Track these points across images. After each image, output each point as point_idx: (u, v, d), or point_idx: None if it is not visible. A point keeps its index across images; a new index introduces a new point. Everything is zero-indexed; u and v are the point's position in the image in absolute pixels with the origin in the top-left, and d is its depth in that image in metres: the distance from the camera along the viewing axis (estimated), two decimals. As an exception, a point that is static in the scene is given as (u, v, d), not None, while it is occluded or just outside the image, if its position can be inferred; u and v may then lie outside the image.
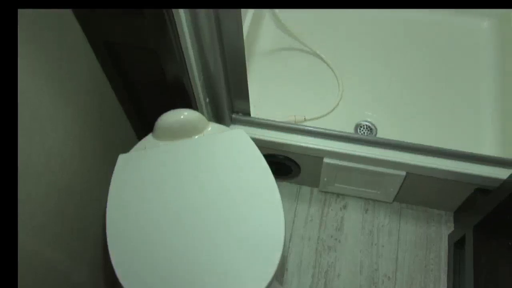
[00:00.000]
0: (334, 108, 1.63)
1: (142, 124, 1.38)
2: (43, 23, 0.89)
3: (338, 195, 1.61)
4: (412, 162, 1.33)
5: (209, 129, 1.17)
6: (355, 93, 1.69)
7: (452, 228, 1.52)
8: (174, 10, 0.95)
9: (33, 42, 0.87)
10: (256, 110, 1.59)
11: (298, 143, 1.38)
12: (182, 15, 0.97)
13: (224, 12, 1.02)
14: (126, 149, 1.18)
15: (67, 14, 0.98)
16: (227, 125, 1.39)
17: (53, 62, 0.95)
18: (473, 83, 1.69)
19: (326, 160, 1.41)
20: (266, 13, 1.88)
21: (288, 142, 1.39)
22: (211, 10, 1.00)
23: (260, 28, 1.86)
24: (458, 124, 1.59)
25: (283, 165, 1.52)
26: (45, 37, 0.91)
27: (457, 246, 1.41)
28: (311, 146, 1.38)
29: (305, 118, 1.59)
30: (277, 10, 1.80)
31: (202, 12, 0.99)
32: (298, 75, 1.75)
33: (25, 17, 0.83)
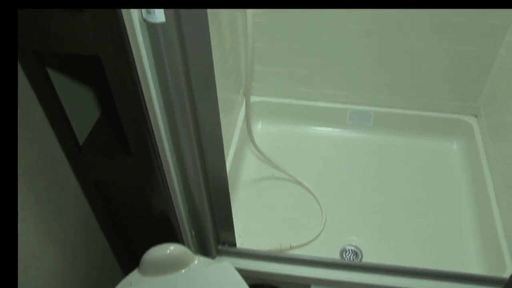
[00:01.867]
0: (318, 235, 1.66)
1: (128, 259, 1.38)
2: (36, 169, 0.94)
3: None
4: (399, 285, 1.33)
5: (196, 262, 1.17)
6: (339, 217, 1.73)
7: None
8: (161, 151, 1.02)
9: (23, 189, 0.91)
10: (242, 239, 1.60)
11: (284, 272, 1.38)
12: (168, 153, 1.03)
13: (207, 146, 1.09)
14: (112, 285, 1.16)
15: (59, 156, 1.04)
16: (213, 257, 1.39)
17: (42, 205, 0.98)
18: (452, 203, 1.76)
19: (313, 287, 1.40)
20: (248, 148, 1.99)
21: (275, 271, 1.39)
22: (195, 150, 1.07)
23: (242, 160, 1.95)
24: (442, 244, 1.62)
25: (271, 294, 1.50)
26: (36, 182, 0.95)
27: None
28: (297, 274, 1.38)
29: (290, 246, 1.60)
30: (257, 142, 1.90)
31: (187, 149, 1.06)
32: (282, 203, 1.80)
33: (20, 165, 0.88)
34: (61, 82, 0.99)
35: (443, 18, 1.69)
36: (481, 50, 1.77)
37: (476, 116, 1.96)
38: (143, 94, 0.89)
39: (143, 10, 0.78)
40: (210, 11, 1.26)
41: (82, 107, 1.11)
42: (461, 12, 1.67)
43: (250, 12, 1.27)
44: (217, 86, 0.94)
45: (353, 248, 1.62)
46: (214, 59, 0.91)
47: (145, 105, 0.91)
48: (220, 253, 1.42)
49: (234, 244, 1.42)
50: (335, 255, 1.60)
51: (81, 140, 1.09)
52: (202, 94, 0.94)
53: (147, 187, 1.09)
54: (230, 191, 1.23)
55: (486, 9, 1.64)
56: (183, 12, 0.78)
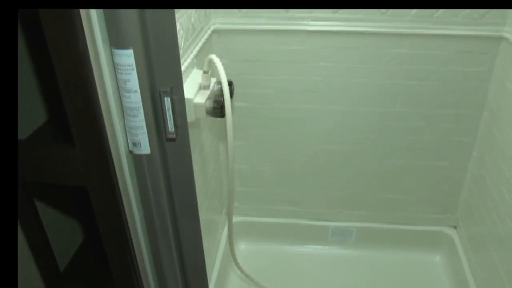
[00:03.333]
0: None
1: None
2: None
3: None
4: None
5: None
6: None
7: None
8: (143, 277, 1.01)
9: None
10: None
11: None
12: (150, 279, 1.02)
13: (190, 270, 1.08)
14: None
15: (37, 282, 1.02)
16: None
17: None
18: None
19: None
20: (231, 268, 1.96)
21: None
22: (178, 274, 1.06)
23: (226, 282, 1.91)
24: None
25: None
26: None
27: None
28: None
29: None
30: (240, 262, 1.88)
31: (170, 275, 1.05)
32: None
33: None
34: (44, 209, 1.01)
35: (413, 138, 1.81)
36: (452, 165, 1.86)
37: (455, 227, 2.00)
38: (127, 222, 0.91)
39: (130, 143, 0.83)
40: (193, 137, 1.34)
41: (64, 233, 1.12)
42: (429, 131, 1.79)
43: (230, 135, 1.34)
44: (200, 208, 0.97)
45: None
46: (196, 183, 0.96)
47: (129, 232, 0.93)
48: None
49: None
50: None
51: (62, 266, 1.08)
52: (185, 221, 0.96)
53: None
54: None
55: (451, 124, 1.77)
56: (168, 144, 0.84)
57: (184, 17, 1.29)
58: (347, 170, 1.92)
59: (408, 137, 1.82)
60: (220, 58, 1.37)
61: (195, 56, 1.39)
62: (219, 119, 1.49)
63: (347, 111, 1.78)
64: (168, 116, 0.80)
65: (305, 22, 1.62)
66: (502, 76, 1.61)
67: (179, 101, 0.80)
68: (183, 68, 1.25)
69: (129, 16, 0.70)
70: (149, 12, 0.72)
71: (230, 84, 1.34)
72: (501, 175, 1.56)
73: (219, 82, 1.35)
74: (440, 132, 1.79)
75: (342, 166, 1.91)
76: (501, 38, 1.59)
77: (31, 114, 0.98)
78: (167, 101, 0.78)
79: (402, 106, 1.75)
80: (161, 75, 0.78)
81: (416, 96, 1.73)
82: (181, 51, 1.25)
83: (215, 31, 1.65)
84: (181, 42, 1.25)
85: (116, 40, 0.73)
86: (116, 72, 0.75)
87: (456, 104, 1.73)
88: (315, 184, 1.97)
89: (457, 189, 1.92)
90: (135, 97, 0.76)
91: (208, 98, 1.29)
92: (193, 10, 1.38)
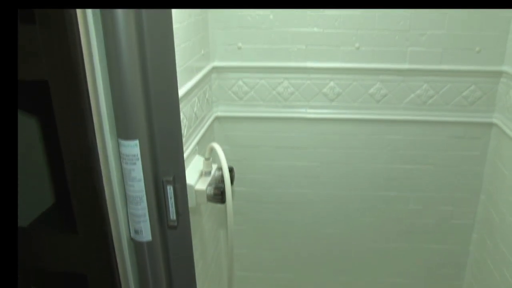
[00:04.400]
0: None
1: None
2: None
3: None
4: None
5: None
6: None
7: None
8: None
9: None
10: None
11: None
12: None
13: None
14: None
15: None
16: None
17: None
18: None
19: None
20: None
21: None
22: None
23: None
24: None
25: None
26: None
27: None
28: None
29: None
30: None
31: None
32: None
33: None
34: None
35: (411, 221, 1.81)
36: (453, 248, 1.85)
37: (461, 314, 1.95)
38: (125, 310, 0.90)
39: (131, 230, 0.85)
40: (193, 222, 1.34)
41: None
42: (428, 214, 1.80)
43: (231, 221, 1.35)
44: (199, 298, 0.96)
45: None
46: (196, 268, 0.96)
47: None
48: None
49: None
50: None
51: None
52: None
53: None
54: None
55: (449, 207, 1.78)
56: (169, 231, 0.85)
57: (187, 106, 1.35)
58: (347, 254, 1.91)
59: (407, 220, 1.82)
60: (221, 144, 1.42)
61: (197, 143, 1.44)
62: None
63: (346, 196, 1.81)
64: (170, 204, 0.82)
65: (303, 110, 1.69)
66: (495, 160, 1.65)
67: (181, 190, 0.83)
68: (185, 155, 1.29)
69: (136, 107, 0.75)
70: (155, 104, 0.77)
71: (231, 170, 1.37)
72: (502, 258, 1.55)
73: (220, 168, 1.38)
74: (438, 215, 1.80)
75: (342, 250, 1.90)
76: (491, 124, 1.66)
77: (35, 199, 1.00)
78: (169, 189, 0.80)
79: (400, 190, 1.78)
80: (164, 164, 0.81)
81: (413, 180, 1.76)
82: (183, 139, 1.30)
83: (217, 118, 1.71)
84: (184, 130, 1.30)
85: (122, 132, 0.77)
86: (122, 162, 0.79)
87: (453, 187, 1.76)
88: (315, 268, 1.95)
89: (460, 272, 1.89)
90: (138, 186, 0.79)
91: (209, 184, 1.32)
92: (196, 99, 1.45)
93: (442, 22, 1.57)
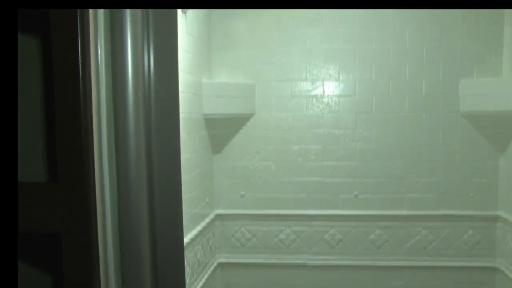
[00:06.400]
0: None
1: None
2: None
3: None
4: None
5: None
6: None
7: None
8: None
9: None
10: None
11: None
12: None
13: None
14: None
15: None
16: None
17: None
18: None
19: None
20: None
21: None
22: None
23: None
24: None
25: None
26: None
27: None
28: None
29: None
30: None
31: None
32: None
33: None
34: None
35: None
36: None
37: None
38: None
39: None
40: None
41: None
42: None
43: None
44: None
45: None
46: None
47: None
48: None
49: None
50: None
51: None
52: None
53: None
54: None
55: None
56: None
57: (191, 254, 1.38)
58: None
59: None
60: (224, 292, 1.41)
61: (200, 291, 1.43)
62: None
63: None
64: None
65: (305, 256, 1.71)
66: (504, 307, 1.61)
67: None
68: (187, 303, 1.28)
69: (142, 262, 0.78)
70: (159, 259, 0.80)
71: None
72: None
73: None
74: None
75: None
76: (495, 269, 1.65)
77: None
78: None
79: None
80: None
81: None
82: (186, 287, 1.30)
83: (219, 265, 1.72)
84: (187, 278, 1.31)
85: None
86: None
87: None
88: None
89: None
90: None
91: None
92: (200, 246, 1.48)
93: (435, 169, 1.67)
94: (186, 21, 1.49)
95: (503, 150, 1.67)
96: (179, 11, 1.40)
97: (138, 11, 0.61)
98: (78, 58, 0.59)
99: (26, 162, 0.68)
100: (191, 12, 1.52)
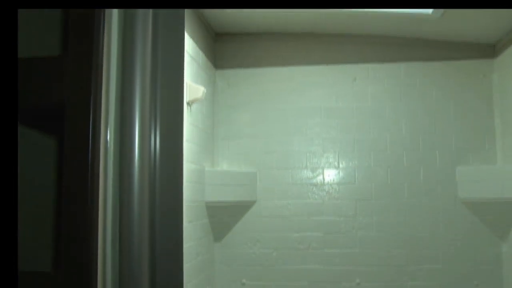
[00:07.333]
0: None
1: None
2: None
3: None
4: None
5: None
6: None
7: None
8: None
9: None
10: None
11: None
12: None
13: None
14: None
15: None
16: None
17: None
18: None
19: None
20: None
21: None
22: None
23: None
24: None
25: None
26: None
27: None
28: None
29: None
30: None
31: None
32: None
33: None
34: None
35: None
36: None
37: None
38: None
39: None
40: None
41: None
42: None
43: None
44: None
45: None
46: None
47: None
48: None
49: None
50: None
51: None
52: None
53: None
54: None
55: None
56: None
57: None
58: None
59: None
60: None
61: None
62: None
63: None
64: None
65: None
66: None
67: None
68: None
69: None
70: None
71: None
72: None
73: None
74: None
75: None
76: None
77: None
78: None
79: None
80: None
81: None
82: None
83: None
84: None
85: None
86: None
87: None
88: None
89: None
90: None
91: None
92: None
93: (437, 257, 1.66)
94: (191, 112, 1.57)
95: (504, 237, 1.67)
96: (184, 103, 1.49)
97: (147, 95, 0.66)
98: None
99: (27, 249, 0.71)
100: (196, 104, 1.61)
